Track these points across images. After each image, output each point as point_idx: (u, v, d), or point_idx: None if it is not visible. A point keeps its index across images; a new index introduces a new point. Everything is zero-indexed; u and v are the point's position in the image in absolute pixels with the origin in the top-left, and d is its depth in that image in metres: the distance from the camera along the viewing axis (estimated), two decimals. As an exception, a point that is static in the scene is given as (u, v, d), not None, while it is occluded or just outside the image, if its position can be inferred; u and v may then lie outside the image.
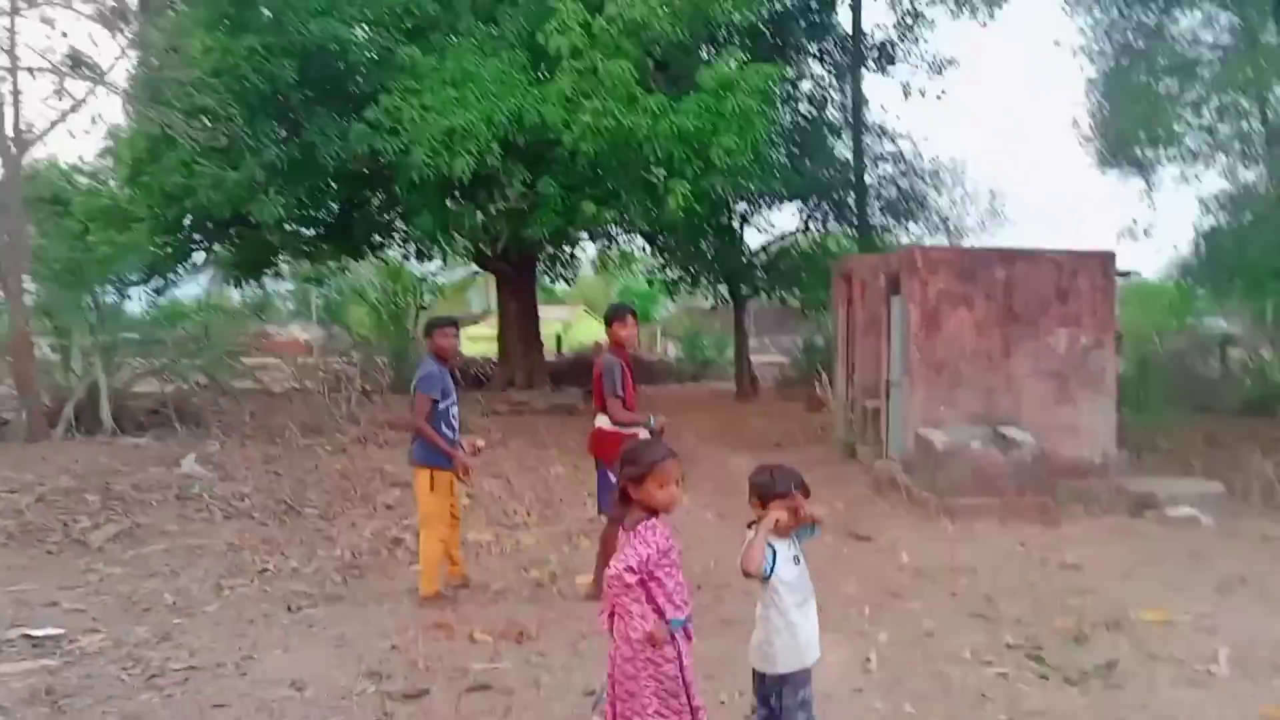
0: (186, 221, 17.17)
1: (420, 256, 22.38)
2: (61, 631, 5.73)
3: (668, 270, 22.39)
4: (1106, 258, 10.20)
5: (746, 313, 22.90)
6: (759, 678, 3.74)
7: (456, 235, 14.92)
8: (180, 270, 19.54)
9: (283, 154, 14.07)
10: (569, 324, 42.81)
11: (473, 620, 6.10)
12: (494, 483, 10.26)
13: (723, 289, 21.85)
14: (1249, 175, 16.42)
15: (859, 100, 21.89)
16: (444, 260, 22.32)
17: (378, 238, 21.07)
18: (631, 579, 3.19)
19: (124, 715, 4.64)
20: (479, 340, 39.25)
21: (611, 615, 3.38)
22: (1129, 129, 14.99)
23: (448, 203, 14.97)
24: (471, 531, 8.18)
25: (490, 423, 14.37)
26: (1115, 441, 10.14)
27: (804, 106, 22.01)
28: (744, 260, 21.24)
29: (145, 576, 7.03)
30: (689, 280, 21.96)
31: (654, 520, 3.31)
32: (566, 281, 24.95)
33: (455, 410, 6.65)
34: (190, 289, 21.56)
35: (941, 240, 22.06)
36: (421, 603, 6.41)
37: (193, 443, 11.58)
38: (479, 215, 14.00)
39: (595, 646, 5.63)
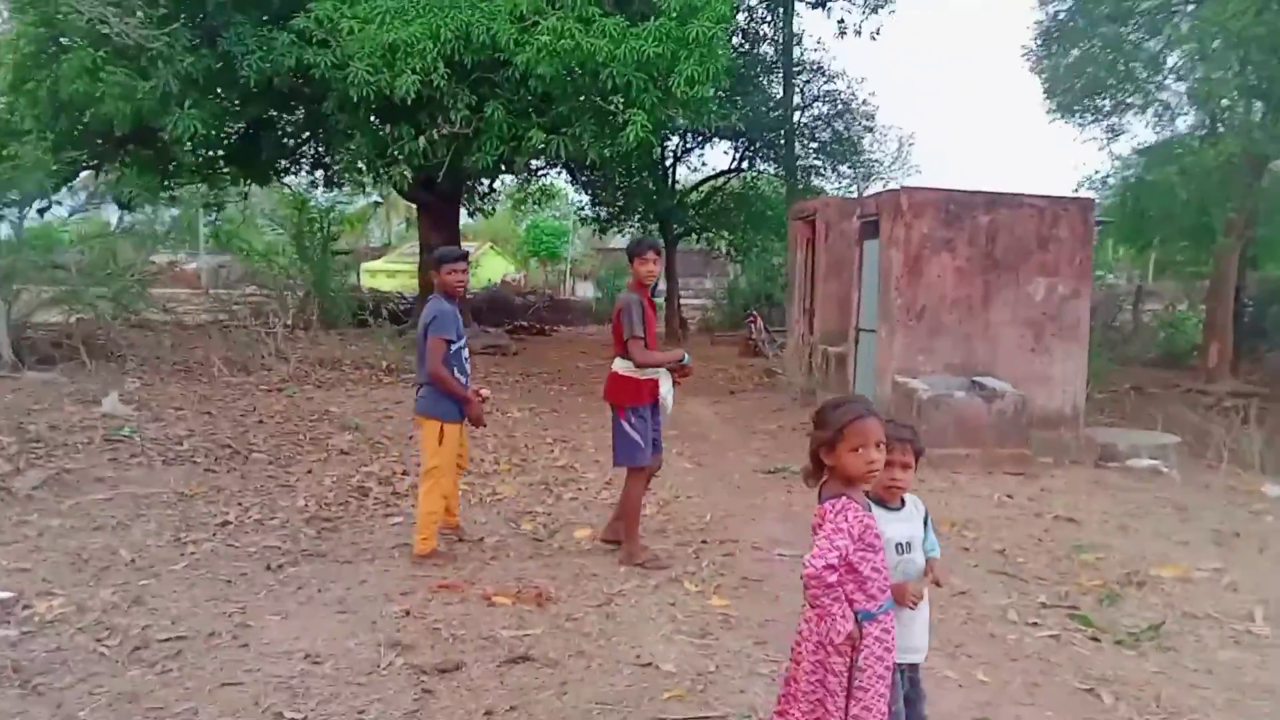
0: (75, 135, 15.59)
1: (329, 184, 21.05)
2: (12, 595, 4.95)
3: (598, 208, 21.69)
4: (1085, 204, 10.07)
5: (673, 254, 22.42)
6: None
7: (393, 160, 13.85)
8: (67, 190, 17.84)
9: (197, 64, 12.81)
10: (475, 261, 41.59)
11: (479, 579, 5.59)
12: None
13: (654, 228, 21.29)
14: (1178, 128, 16.68)
15: (790, 36, 21.41)
16: (364, 189, 20.99)
17: (284, 162, 19.74)
18: (833, 577, 2.69)
19: (115, 697, 3.96)
20: (379, 275, 37.90)
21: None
22: (1075, 77, 14.95)
23: (382, 125, 13.94)
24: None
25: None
26: (1084, 393, 10.14)
27: (737, 40, 21.37)
28: (676, 199, 20.68)
29: (90, 530, 6.23)
30: (618, 218, 21.33)
31: (844, 498, 2.78)
32: (485, 215, 23.92)
33: (466, 353, 6.04)
34: (59, 212, 19.59)
35: (868, 186, 21.93)
36: (417, 560, 5.85)
37: (108, 379, 10.50)
38: (420, 140, 13.01)
39: (626, 610, 5.21)
